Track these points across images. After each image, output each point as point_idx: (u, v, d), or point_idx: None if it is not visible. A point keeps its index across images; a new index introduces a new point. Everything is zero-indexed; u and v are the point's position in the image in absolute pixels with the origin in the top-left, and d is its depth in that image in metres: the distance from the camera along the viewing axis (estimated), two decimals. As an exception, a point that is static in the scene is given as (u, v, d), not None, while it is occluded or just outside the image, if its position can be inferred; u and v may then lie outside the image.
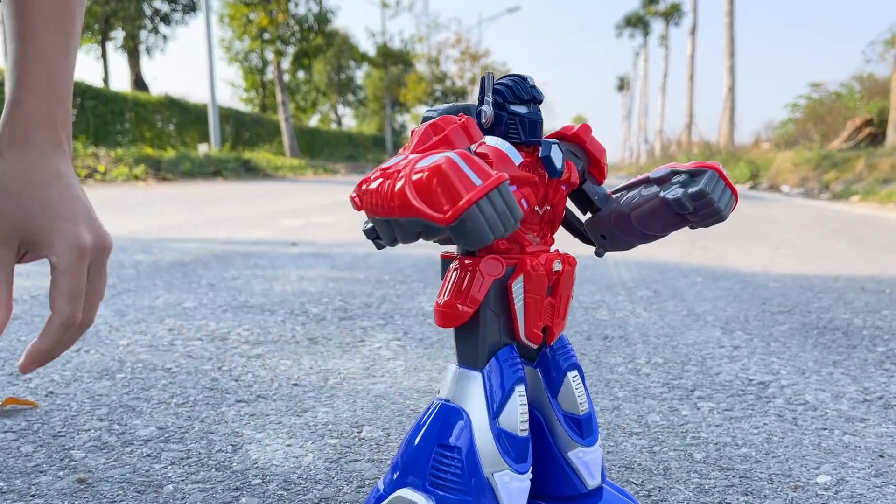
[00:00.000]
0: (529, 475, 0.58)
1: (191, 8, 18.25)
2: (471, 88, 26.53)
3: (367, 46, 36.98)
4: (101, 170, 8.63)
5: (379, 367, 1.26)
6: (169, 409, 1.03)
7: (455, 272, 0.59)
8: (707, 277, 2.37)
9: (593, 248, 0.69)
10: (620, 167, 41.03)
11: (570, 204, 0.67)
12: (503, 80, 0.60)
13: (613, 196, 0.66)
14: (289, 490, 0.79)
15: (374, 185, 0.50)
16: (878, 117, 12.65)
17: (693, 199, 0.59)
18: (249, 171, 11.52)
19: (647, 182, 0.64)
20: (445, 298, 0.58)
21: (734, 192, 0.61)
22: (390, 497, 0.58)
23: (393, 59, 21.09)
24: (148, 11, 18.28)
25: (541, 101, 0.60)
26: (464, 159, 0.46)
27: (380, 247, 0.56)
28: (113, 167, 8.84)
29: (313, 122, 25.09)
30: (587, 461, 0.62)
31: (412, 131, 0.59)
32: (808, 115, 17.45)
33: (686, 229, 0.64)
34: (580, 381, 0.63)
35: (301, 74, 24.03)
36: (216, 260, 2.47)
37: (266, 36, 15.25)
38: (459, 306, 0.57)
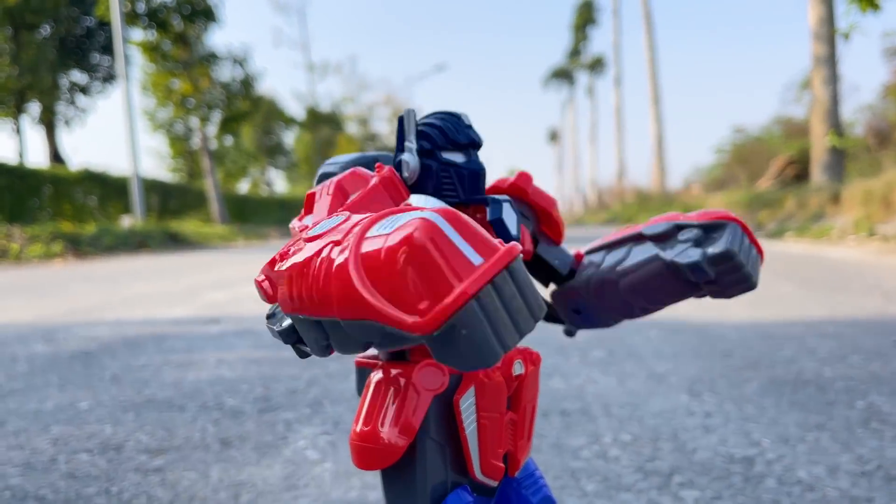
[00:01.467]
0: None
1: (110, 77, 17.89)
2: (402, 147, 26.63)
3: (296, 109, 37.01)
4: (15, 249, 8.16)
5: (303, 475, 1.05)
6: (27, 561, 0.80)
7: (377, 388, 0.41)
8: (662, 331, 2.24)
9: (562, 327, 0.54)
10: (554, 217, 41.61)
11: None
12: (429, 120, 0.43)
13: (587, 258, 0.51)
14: None
15: (294, 262, 0.32)
16: (799, 156, 13.14)
17: (715, 264, 0.45)
18: (176, 242, 11.13)
19: (639, 239, 0.49)
20: (364, 428, 0.40)
21: (759, 250, 0.48)
22: None
23: (322, 121, 21.03)
24: (65, 83, 17.83)
25: (480, 146, 0.44)
26: (450, 221, 0.28)
27: (303, 355, 0.38)
28: (28, 245, 8.37)
29: (244, 188, 24.73)
30: None
31: (308, 194, 0.42)
32: (733, 157, 18.09)
33: None
34: None
35: (229, 140, 23.77)
36: (126, 346, 2.21)
37: (190, 103, 15.00)
38: (386, 438, 0.40)
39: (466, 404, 0.41)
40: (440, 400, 0.41)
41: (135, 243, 9.95)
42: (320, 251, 0.31)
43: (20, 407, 1.51)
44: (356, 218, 0.32)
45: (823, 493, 0.93)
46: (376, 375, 0.42)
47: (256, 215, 18.83)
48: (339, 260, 0.29)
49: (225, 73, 15.18)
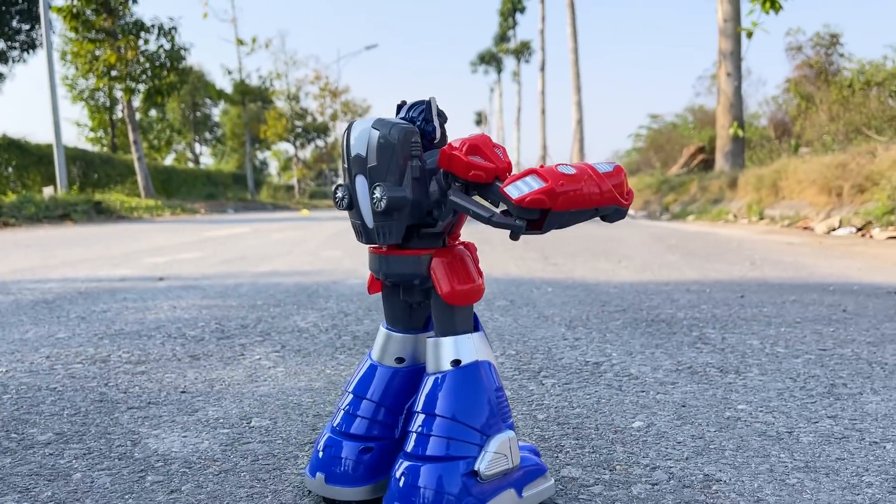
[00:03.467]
0: None
1: (30, 45, 17.29)
2: (332, 124, 26.67)
3: (224, 84, 36.26)
4: (-66, 216, 8.02)
5: (261, 374, 1.37)
6: (62, 419, 1.09)
7: (453, 260, 0.72)
8: (557, 287, 2.61)
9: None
10: (481, 198, 42.18)
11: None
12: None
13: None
14: (190, 468, 0.89)
15: (570, 188, 0.64)
16: (709, 145, 13.91)
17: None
18: (101, 213, 11.02)
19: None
20: (464, 282, 0.71)
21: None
22: (489, 452, 0.68)
23: (251, 96, 20.87)
24: (-19, 49, 17.15)
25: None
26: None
27: (517, 235, 0.66)
28: (-53, 213, 8.23)
29: (168, 161, 24.28)
30: None
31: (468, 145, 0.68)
32: (649, 144, 18.87)
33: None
34: None
35: (154, 113, 23.28)
36: (82, 297, 2.45)
37: (114, 73, 14.70)
38: (481, 282, 0.72)
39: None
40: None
41: (57, 214, 9.85)
42: (584, 179, 0.65)
43: (5, 336, 1.76)
44: (573, 171, 0.65)
45: (643, 380, 1.31)
46: (446, 257, 0.71)
47: (183, 189, 18.59)
48: (603, 187, 0.66)
49: (151, 44, 14.92)
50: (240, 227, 7.99)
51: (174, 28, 15.19)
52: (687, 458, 0.92)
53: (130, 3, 14.65)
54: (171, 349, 1.59)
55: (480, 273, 0.73)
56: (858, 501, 0.79)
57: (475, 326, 0.74)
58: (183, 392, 1.24)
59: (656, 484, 0.84)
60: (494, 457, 0.68)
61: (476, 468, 0.67)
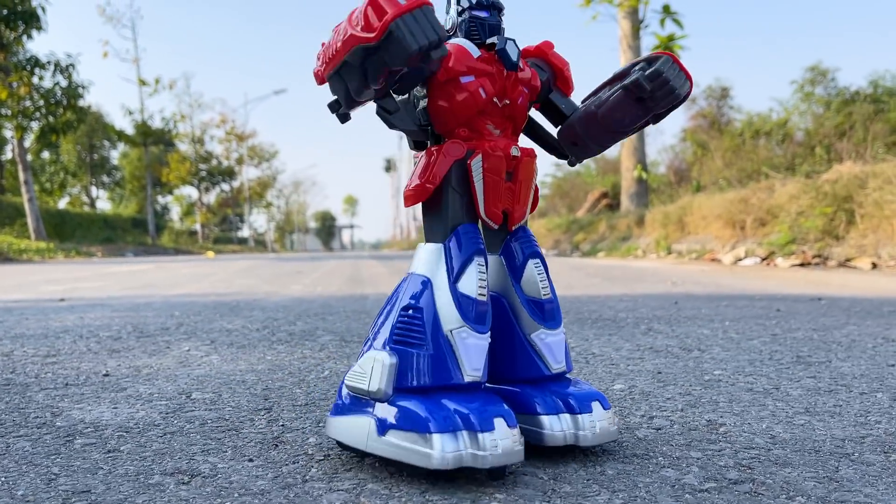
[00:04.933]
0: (487, 337, 0.61)
1: None
2: (238, 168, 26.07)
3: (124, 124, 35.05)
4: None
5: (194, 361, 1.23)
6: (-38, 399, 0.93)
7: (423, 158, 0.64)
8: (490, 301, 2.55)
9: (566, 162, 0.72)
10: (393, 243, 42.24)
11: (543, 120, 0.71)
12: None
13: (581, 105, 0.69)
14: (128, 432, 0.76)
15: (325, 41, 0.56)
16: (612, 190, 14.38)
17: (650, 80, 0.62)
18: (-13, 254, 10.29)
19: (612, 81, 0.67)
20: (413, 181, 0.63)
21: (688, 77, 0.65)
22: (360, 361, 0.61)
23: (153, 138, 20.15)
24: None
25: (502, 9, 0.65)
26: None
27: (343, 118, 0.61)
28: None
29: (62, 204, 23.05)
30: (549, 343, 0.66)
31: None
32: (554, 190, 19.37)
33: None
34: (542, 268, 0.67)
35: (46, 154, 22.16)
36: (-28, 312, 2.20)
37: (5, 111, 13.93)
38: (421, 183, 0.62)
39: (476, 166, 0.62)
40: (460, 164, 0.62)
41: (-63, 254, 9.11)
42: (337, 30, 0.56)
43: None
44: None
45: (608, 357, 1.24)
46: (423, 153, 0.64)
47: (78, 232, 17.66)
48: (341, 28, 0.55)
49: (47, 81, 14.26)
50: (142, 265, 7.59)
51: (72, 65, 14.58)
52: (682, 410, 0.85)
53: (25, 39, 14.00)
54: (84, 345, 1.42)
55: (434, 172, 0.63)
56: (875, 434, 0.74)
57: (461, 241, 0.63)
58: (106, 375, 1.09)
59: (660, 429, 0.77)
60: (355, 370, 0.63)
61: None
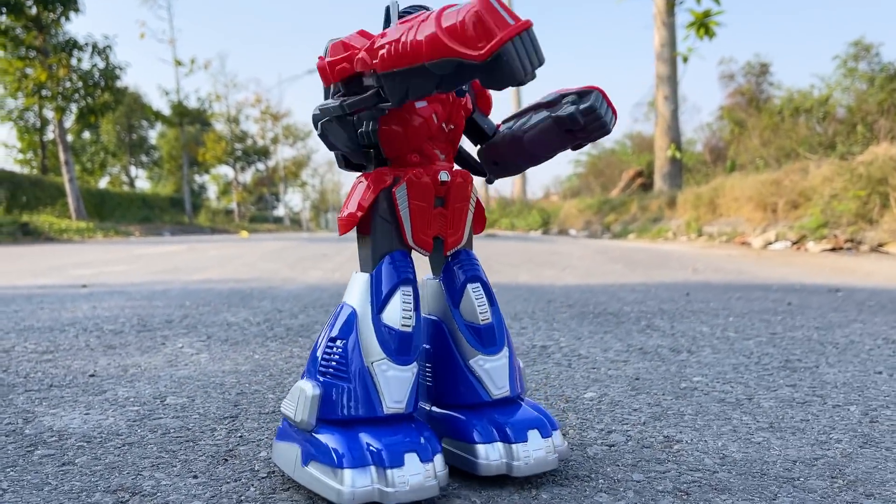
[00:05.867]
0: (411, 368, 0.61)
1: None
2: (273, 148, 26.29)
3: (161, 105, 35.53)
4: None
5: (182, 360, 1.25)
6: (-53, 401, 0.96)
7: (354, 186, 0.64)
8: (500, 289, 2.55)
9: (484, 179, 0.72)
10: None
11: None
12: (405, 7, 0.63)
13: (503, 126, 0.70)
14: (89, 442, 0.78)
15: (391, 39, 0.53)
16: (647, 169, 14.19)
17: (584, 115, 0.63)
18: (28, 234, 10.55)
19: (537, 107, 0.68)
20: (345, 209, 0.63)
21: (615, 112, 0.66)
22: (292, 389, 0.62)
23: (189, 118, 20.40)
24: None
25: None
26: (497, 2, 0.49)
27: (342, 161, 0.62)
28: None
29: (102, 184, 23.53)
30: (488, 369, 0.65)
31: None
32: (589, 169, 19.17)
33: None
34: (481, 292, 0.66)
35: (87, 135, 22.58)
36: (-6, 300, 2.27)
37: (45, 92, 14.21)
38: (349, 212, 0.62)
39: (401, 194, 0.62)
40: (387, 193, 0.62)
41: (-19, 234, 9.38)
42: (410, 26, 0.52)
43: None
44: (422, 16, 0.53)
45: (594, 359, 1.24)
46: (355, 180, 0.64)
47: (117, 212, 18.03)
48: (427, 31, 0.50)
49: (85, 63, 14.50)
50: (175, 246, 7.72)
51: (109, 47, 14.79)
52: (644, 423, 0.85)
53: (63, 20, 14.22)
54: (84, 340, 1.46)
55: (361, 202, 0.62)
56: (829, 455, 0.73)
57: (382, 270, 0.63)
58: (92, 376, 1.12)
59: (613, 445, 0.77)
60: (287, 398, 0.64)
61: None
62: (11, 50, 13.87)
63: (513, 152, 0.68)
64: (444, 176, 0.64)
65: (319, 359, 0.61)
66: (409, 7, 0.63)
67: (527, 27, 0.49)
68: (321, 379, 0.60)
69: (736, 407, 0.91)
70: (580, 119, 0.63)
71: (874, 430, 0.81)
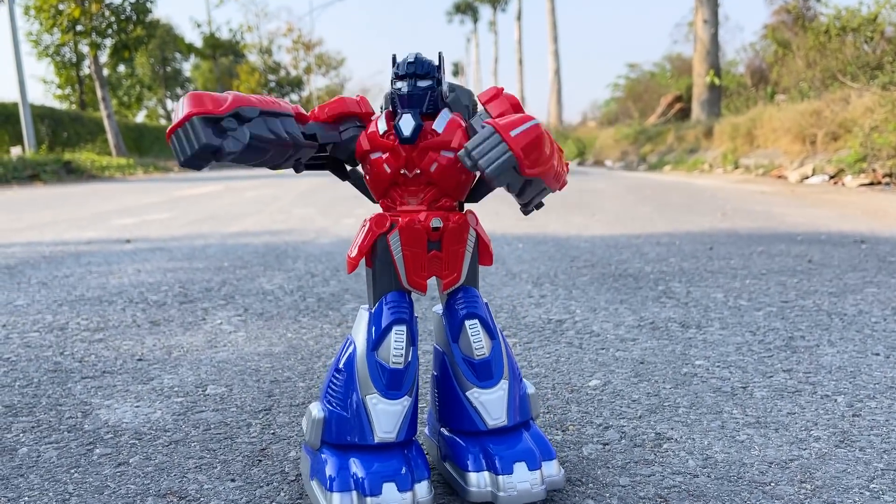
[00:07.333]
0: (402, 402, 0.67)
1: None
2: (306, 78, 26.19)
3: (194, 37, 35.35)
4: None
5: (221, 339, 1.35)
6: (13, 391, 1.07)
7: (359, 229, 0.70)
8: (528, 243, 2.61)
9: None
10: (460, 151, 42.00)
11: None
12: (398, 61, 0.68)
13: None
14: (140, 440, 0.88)
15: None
16: (686, 94, 13.86)
17: (466, 157, 0.59)
18: (72, 173, 10.82)
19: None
20: (351, 250, 0.70)
21: (514, 149, 0.58)
22: (307, 409, 0.71)
23: (222, 50, 20.38)
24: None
25: (423, 75, 0.67)
26: (190, 97, 0.60)
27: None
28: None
29: (140, 118, 23.78)
30: (484, 402, 0.70)
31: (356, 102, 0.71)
32: (627, 93, 18.77)
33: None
34: (478, 328, 0.70)
35: (122, 68, 22.71)
36: (45, 261, 2.41)
37: (79, 28, 14.28)
38: (350, 254, 0.69)
39: (394, 241, 0.67)
40: (383, 239, 0.67)
41: (26, 174, 9.65)
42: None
43: (-38, 305, 1.72)
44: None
45: (605, 337, 1.31)
46: (364, 221, 0.70)
47: (155, 146, 18.28)
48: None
49: (116, -4, 14.47)
50: (212, 186, 7.88)
51: (139, -20, 14.73)
52: (640, 417, 0.92)
53: (93, -46, 14.15)
54: (131, 315, 1.57)
55: (360, 246, 0.68)
56: (804, 456, 0.79)
57: (381, 305, 0.69)
58: (140, 360, 1.22)
59: (607, 444, 0.84)
60: (304, 416, 0.72)
61: None
62: (44, -15, 13.90)
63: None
64: (435, 223, 0.67)
65: (327, 386, 0.69)
66: (412, 62, 0.68)
67: (184, 121, 0.59)
68: (326, 406, 0.69)
69: (730, 398, 0.98)
70: (466, 161, 0.59)
71: (854, 427, 0.87)
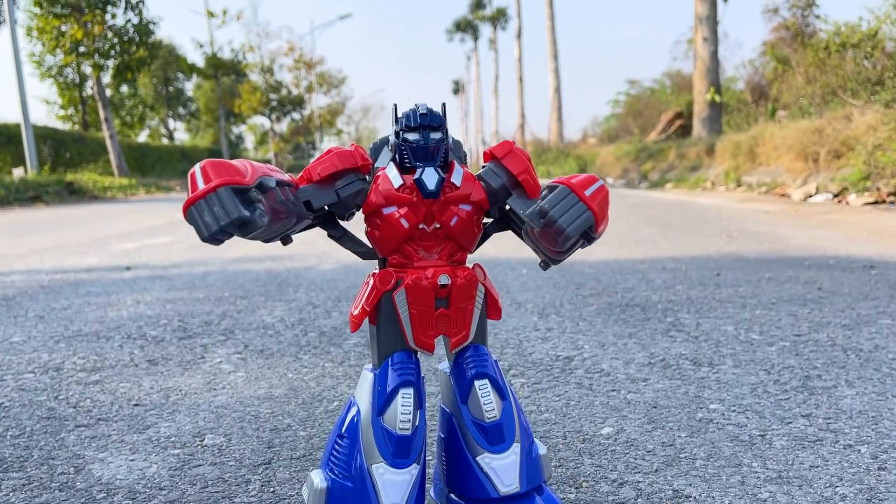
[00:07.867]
0: (410, 470, 0.64)
1: (-8, 21, 16.80)
2: (307, 97, 26.28)
3: (196, 57, 35.55)
4: None
5: (220, 381, 1.31)
6: (5, 441, 1.04)
7: (362, 285, 0.67)
8: (532, 269, 2.57)
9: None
10: (461, 167, 42.12)
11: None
12: (406, 111, 0.65)
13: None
14: (133, 500, 0.84)
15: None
16: (686, 110, 13.87)
17: (540, 217, 0.58)
18: (74, 193, 10.81)
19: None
20: (354, 307, 0.66)
21: (592, 208, 0.59)
22: (308, 477, 0.67)
23: (224, 70, 20.46)
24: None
25: (436, 126, 0.64)
26: (212, 166, 0.55)
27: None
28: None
29: (142, 137, 23.85)
30: (495, 467, 0.66)
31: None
32: (627, 109, 18.81)
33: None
34: (488, 389, 0.67)
35: (125, 89, 22.81)
36: (44, 291, 2.38)
37: (82, 49, 14.34)
38: (353, 312, 0.65)
39: (400, 299, 0.64)
40: (388, 297, 0.64)
41: (28, 196, 9.64)
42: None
43: (-43, 342, 1.69)
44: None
45: (615, 376, 1.27)
46: (368, 277, 0.67)
47: (157, 166, 18.31)
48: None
49: (119, 18, 14.55)
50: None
51: (141, 1, 14.81)
52: (656, 471, 0.88)
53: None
54: (128, 353, 1.53)
55: (365, 305, 0.65)
56: (832, 518, 0.76)
57: (386, 363, 0.66)
58: (136, 405, 1.19)
59: (623, 503, 0.80)
60: (305, 484, 0.67)
61: None
62: (47, 8, 13.98)
63: (539, 244, 0.64)
64: (443, 279, 0.64)
65: (329, 453, 0.66)
66: (410, 109, 0.65)
67: (211, 190, 0.53)
68: (329, 475, 0.65)
69: (748, 448, 0.94)
70: (534, 223, 0.59)
71: (881, 482, 0.84)
